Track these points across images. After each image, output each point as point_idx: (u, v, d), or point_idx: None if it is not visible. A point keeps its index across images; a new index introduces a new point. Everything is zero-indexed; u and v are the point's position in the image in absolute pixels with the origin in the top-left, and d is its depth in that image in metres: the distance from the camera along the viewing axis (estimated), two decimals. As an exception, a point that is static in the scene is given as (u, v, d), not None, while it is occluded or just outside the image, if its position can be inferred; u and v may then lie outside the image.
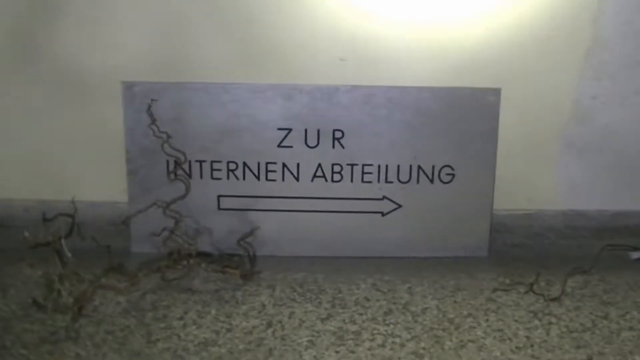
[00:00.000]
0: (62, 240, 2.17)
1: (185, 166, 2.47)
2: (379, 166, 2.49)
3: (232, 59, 2.49)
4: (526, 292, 2.32)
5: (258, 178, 2.49)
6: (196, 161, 2.48)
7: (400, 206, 2.52)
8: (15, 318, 2.12)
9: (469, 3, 2.44)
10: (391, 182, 2.51)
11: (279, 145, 2.47)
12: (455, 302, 2.27)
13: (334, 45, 2.46)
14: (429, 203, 2.52)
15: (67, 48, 2.47)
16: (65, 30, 2.46)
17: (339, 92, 2.44)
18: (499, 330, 2.11)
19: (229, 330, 2.10)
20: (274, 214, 2.52)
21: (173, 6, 2.45)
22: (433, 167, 2.50)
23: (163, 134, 2.42)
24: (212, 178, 2.50)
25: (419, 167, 2.49)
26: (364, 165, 2.49)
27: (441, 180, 2.51)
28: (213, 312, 2.18)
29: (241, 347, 2.02)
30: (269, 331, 2.09)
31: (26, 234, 2.19)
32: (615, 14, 2.45)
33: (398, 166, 2.49)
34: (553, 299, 2.27)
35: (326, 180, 2.50)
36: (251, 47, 2.47)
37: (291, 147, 2.47)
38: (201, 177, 2.49)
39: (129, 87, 2.43)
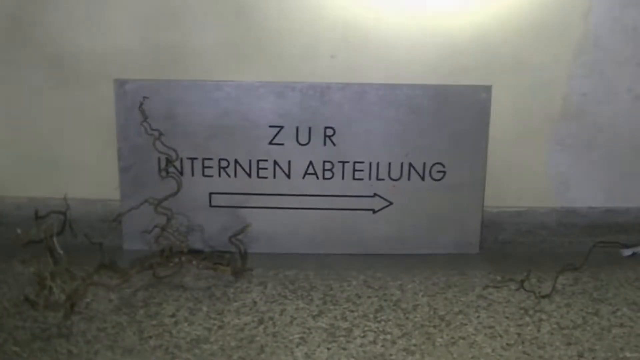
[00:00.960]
0: (54, 238, 2.17)
1: (177, 163, 2.47)
2: (370, 164, 2.50)
3: (224, 57, 2.49)
4: (517, 289, 2.32)
5: (249, 175, 2.50)
6: (188, 158, 2.48)
7: (391, 203, 2.53)
8: (7, 315, 2.12)
9: (459, 1, 2.45)
10: (382, 180, 2.51)
11: (270, 143, 2.47)
12: (446, 299, 2.27)
13: (326, 43, 2.47)
14: (420, 200, 2.53)
15: (60, 44, 2.47)
16: (58, 27, 2.46)
17: (331, 90, 2.44)
18: (490, 327, 2.12)
19: (220, 327, 2.10)
20: (265, 211, 2.52)
21: (165, 2, 2.45)
22: (424, 164, 2.50)
23: (155, 131, 2.42)
24: (204, 175, 2.50)
25: (410, 165, 2.50)
26: (355, 162, 2.49)
27: (432, 178, 2.51)
28: (205, 309, 2.19)
29: (233, 344, 2.02)
30: (261, 328, 2.10)
31: (18, 231, 2.20)
32: (606, 11, 2.46)
33: (389, 163, 2.50)
34: (544, 296, 2.28)
35: (317, 177, 2.50)
36: (243, 45, 2.48)
37: (282, 144, 2.47)
38: (193, 174, 2.49)
39: (120, 85, 2.43)
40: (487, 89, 2.46)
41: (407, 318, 2.16)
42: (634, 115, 2.56)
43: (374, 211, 2.53)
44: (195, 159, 2.48)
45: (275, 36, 2.47)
